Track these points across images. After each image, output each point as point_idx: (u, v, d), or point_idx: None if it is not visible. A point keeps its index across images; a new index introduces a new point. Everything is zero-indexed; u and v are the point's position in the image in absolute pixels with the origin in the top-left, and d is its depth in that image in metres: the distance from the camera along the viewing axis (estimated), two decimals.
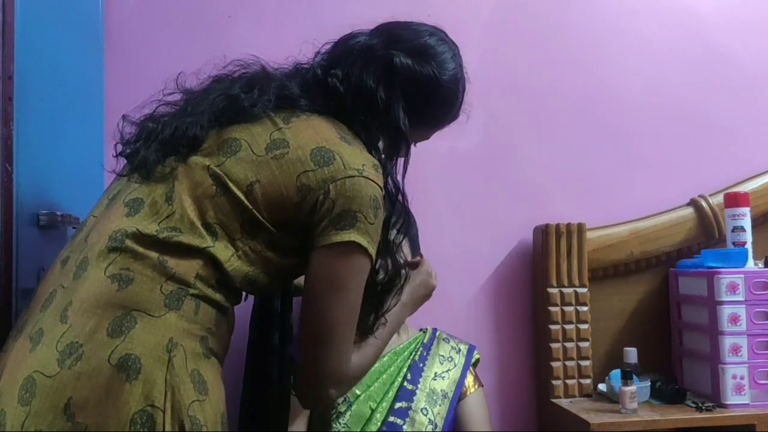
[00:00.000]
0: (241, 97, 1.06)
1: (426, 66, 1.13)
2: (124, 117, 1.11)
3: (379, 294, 1.14)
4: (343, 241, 0.99)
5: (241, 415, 1.36)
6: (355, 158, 1.02)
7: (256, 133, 1.03)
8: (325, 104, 1.10)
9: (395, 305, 1.19)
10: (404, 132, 1.12)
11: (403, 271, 1.18)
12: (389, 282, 1.15)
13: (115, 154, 1.10)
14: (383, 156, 1.11)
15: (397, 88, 1.11)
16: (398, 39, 1.14)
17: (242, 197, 0.98)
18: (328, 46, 1.18)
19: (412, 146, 1.22)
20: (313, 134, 1.03)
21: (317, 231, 1.00)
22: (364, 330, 1.13)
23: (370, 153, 1.08)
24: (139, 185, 1.01)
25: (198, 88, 1.12)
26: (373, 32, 1.17)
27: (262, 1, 1.83)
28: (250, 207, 0.98)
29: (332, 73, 1.11)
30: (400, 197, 1.11)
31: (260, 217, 0.99)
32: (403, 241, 1.57)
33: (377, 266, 1.09)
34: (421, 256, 1.66)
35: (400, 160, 1.16)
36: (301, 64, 1.17)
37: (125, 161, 1.08)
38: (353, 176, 1.00)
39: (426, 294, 1.34)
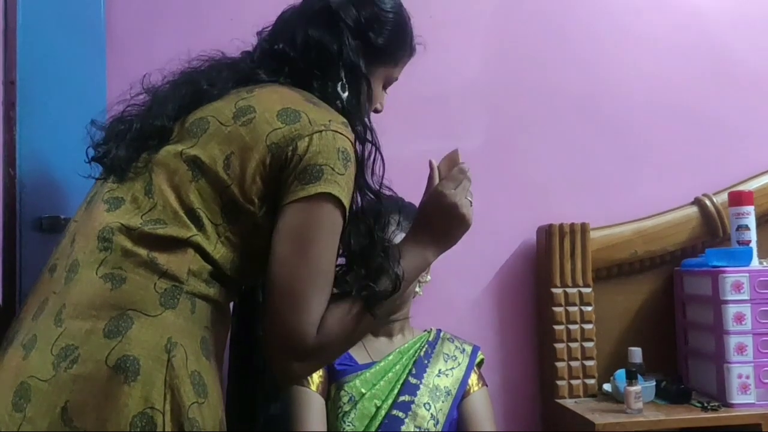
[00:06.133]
0: (200, 81, 1.07)
1: (366, 3, 1.15)
2: (92, 122, 1.10)
3: (377, 227, 1.05)
4: (309, 195, 0.95)
5: (228, 409, 1.36)
6: (320, 115, 1.01)
7: (220, 107, 1.03)
8: (279, 72, 1.10)
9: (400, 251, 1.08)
10: (363, 72, 1.12)
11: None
12: (378, 214, 1.06)
13: (87, 160, 1.08)
14: (353, 100, 1.11)
15: (344, 30, 1.12)
16: None
17: (221, 173, 0.97)
18: (268, 28, 1.20)
19: (384, 93, 1.24)
20: (278, 98, 1.03)
21: (284, 190, 0.97)
22: (380, 267, 1.02)
23: (335, 108, 1.07)
24: (116, 185, 1.00)
25: (162, 85, 1.12)
26: None
27: (265, 4, 1.83)
28: (229, 183, 0.97)
29: (278, 40, 1.13)
30: (370, 136, 1.08)
31: (240, 193, 0.97)
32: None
33: (363, 212, 1.04)
34: None
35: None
36: (247, 51, 1.18)
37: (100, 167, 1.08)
38: (320, 131, 0.98)
39: (450, 219, 1.12)
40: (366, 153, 1.07)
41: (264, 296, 0.99)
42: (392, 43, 1.20)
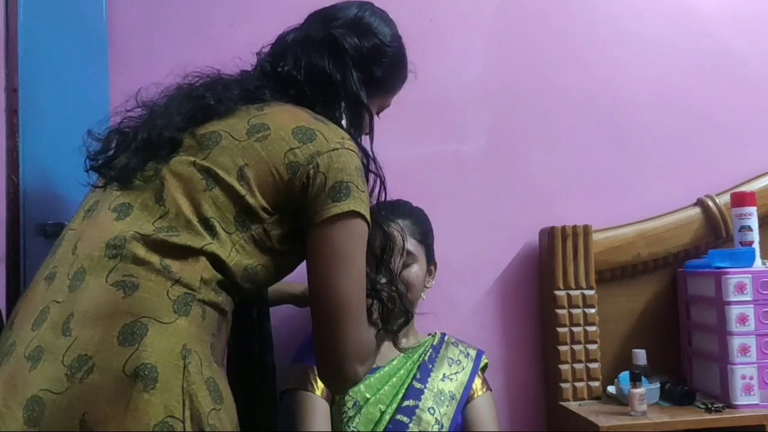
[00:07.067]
0: (207, 96, 1.08)
1: (367, 34, 1.18)
2: (89, 132, 1.10)
3: (385, 260, 1.16)
4: (343, 212, 1.00)
5: None
6: (333, 133, 1.05)
7: (232, 123, 1.04)
8: (285, 93, 1.12)
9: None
10: (364, 103, 1.17)
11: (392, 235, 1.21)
12: (385, 246, 1.16)
13: (86, 169, 1.08)
14: (352, 129, 1.15)
15: (348, 61, 1.15)
16: (331, 18, 1.19)
17: (235, 184, 0.98)
18: (266, 49, 1.21)
19: (376, 117, 1.26)
20: (289, 116, 1.06)
21: (314, 207, 1.00)
22: (391, 299, 1.15)
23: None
24: (121, 192, 1.00)
25: (159, 99, 1.12)
26: (304, 24, 1.22)
27: (264, 9, 1.84)
28: (244, 193, 0.98)
29: (281, 64, 1.14)
30: (372, 165, 1.13)
31: (254, 202, 0.99)
32: (420, 249, 1.58)
33: (371, 242, 1.10)
34: (435, 264, 1.67)
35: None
36: (246, 70, 1.19)
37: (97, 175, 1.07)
38: (337, 148, 1.02)
39: None
40: (370, 185, 1.11)
41: (313, 314, 1.04)
42: (391, 75, 1.25)
